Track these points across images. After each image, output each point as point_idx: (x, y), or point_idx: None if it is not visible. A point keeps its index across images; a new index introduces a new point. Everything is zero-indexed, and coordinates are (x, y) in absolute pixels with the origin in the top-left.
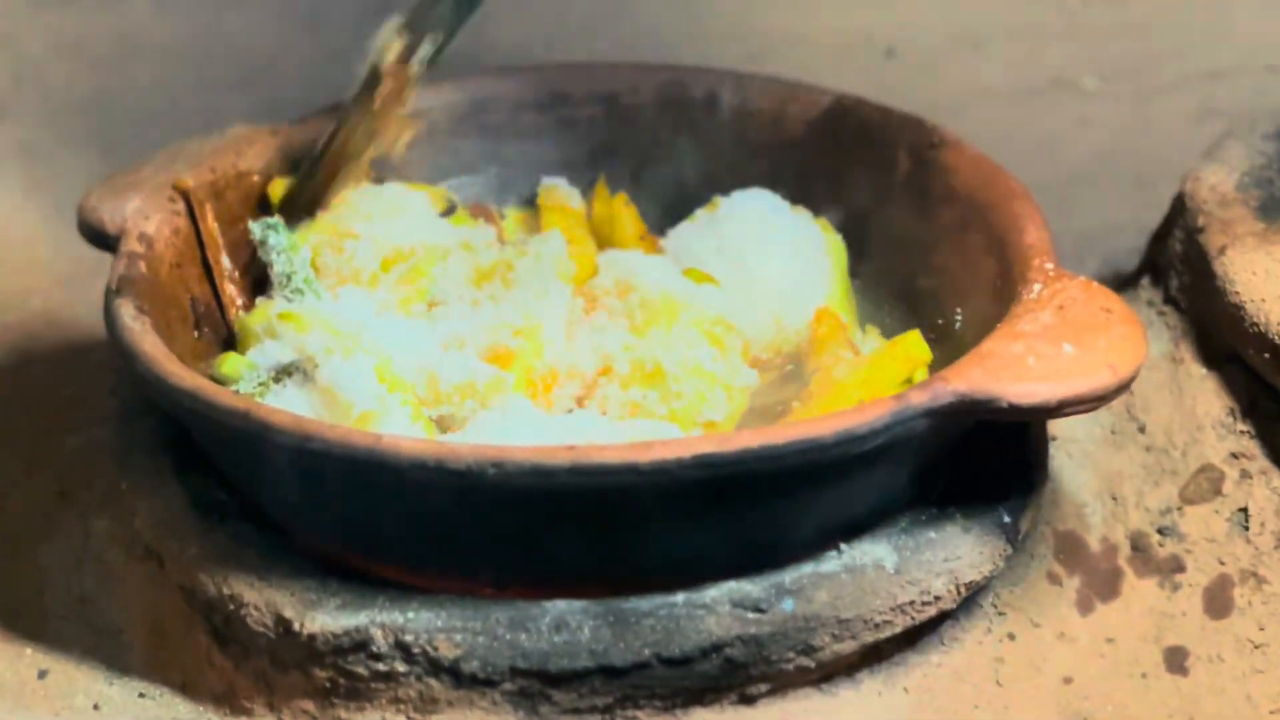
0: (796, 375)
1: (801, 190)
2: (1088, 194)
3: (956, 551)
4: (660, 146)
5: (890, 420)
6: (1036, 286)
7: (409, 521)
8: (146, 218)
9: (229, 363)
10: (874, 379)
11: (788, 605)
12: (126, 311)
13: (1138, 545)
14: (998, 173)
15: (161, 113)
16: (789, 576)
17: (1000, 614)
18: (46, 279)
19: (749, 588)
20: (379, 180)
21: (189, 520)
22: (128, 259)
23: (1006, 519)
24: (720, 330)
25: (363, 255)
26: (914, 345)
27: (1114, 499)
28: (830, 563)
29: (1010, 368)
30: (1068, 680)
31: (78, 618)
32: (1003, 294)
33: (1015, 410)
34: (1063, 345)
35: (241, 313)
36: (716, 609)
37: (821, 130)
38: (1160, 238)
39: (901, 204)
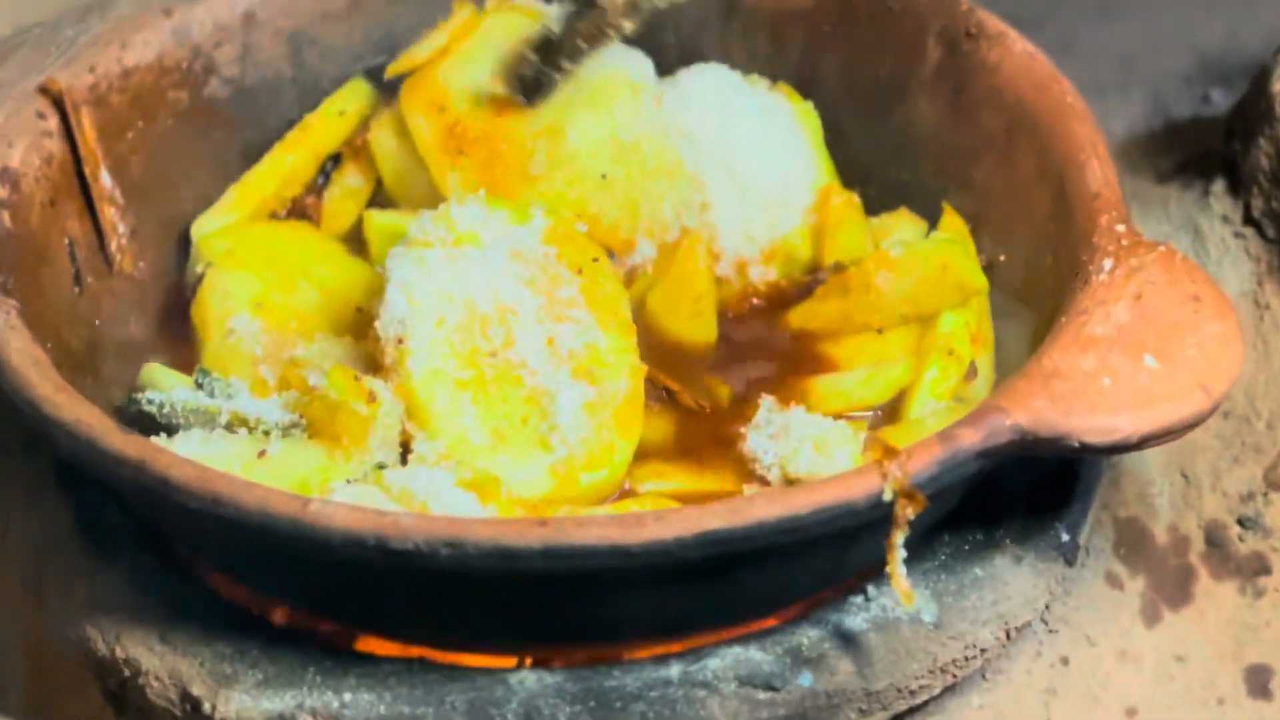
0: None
1: (808, 73)
2: None
3: (1007, 590)
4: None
5: (938, 470)
6: (1107, 263)
7: (344, 589)
8: (10, 145)
9: (155, 375)
10: (922, 296)
11: (805, 680)
12: None
13: (1214, 538)
14: (1052, 78)
15: None
16: (805, 638)
17: (1051, 631)
18: None
19: (757, 656)
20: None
21: (74, 549)
22: None
23: (1065, 536)
24: None
25: None
26: (964, 273)
27: (1185, 478)
28: (855, 615)
29: (1081, 394)
30: (1131, 712)
31: None
32: (1059, 247)
33: (1088, 449)
34: (1143, 357)
35: (124, 239)
36: (719, 687)
37: (832, 3)
38: (1240, 134)
39: (929, 101)
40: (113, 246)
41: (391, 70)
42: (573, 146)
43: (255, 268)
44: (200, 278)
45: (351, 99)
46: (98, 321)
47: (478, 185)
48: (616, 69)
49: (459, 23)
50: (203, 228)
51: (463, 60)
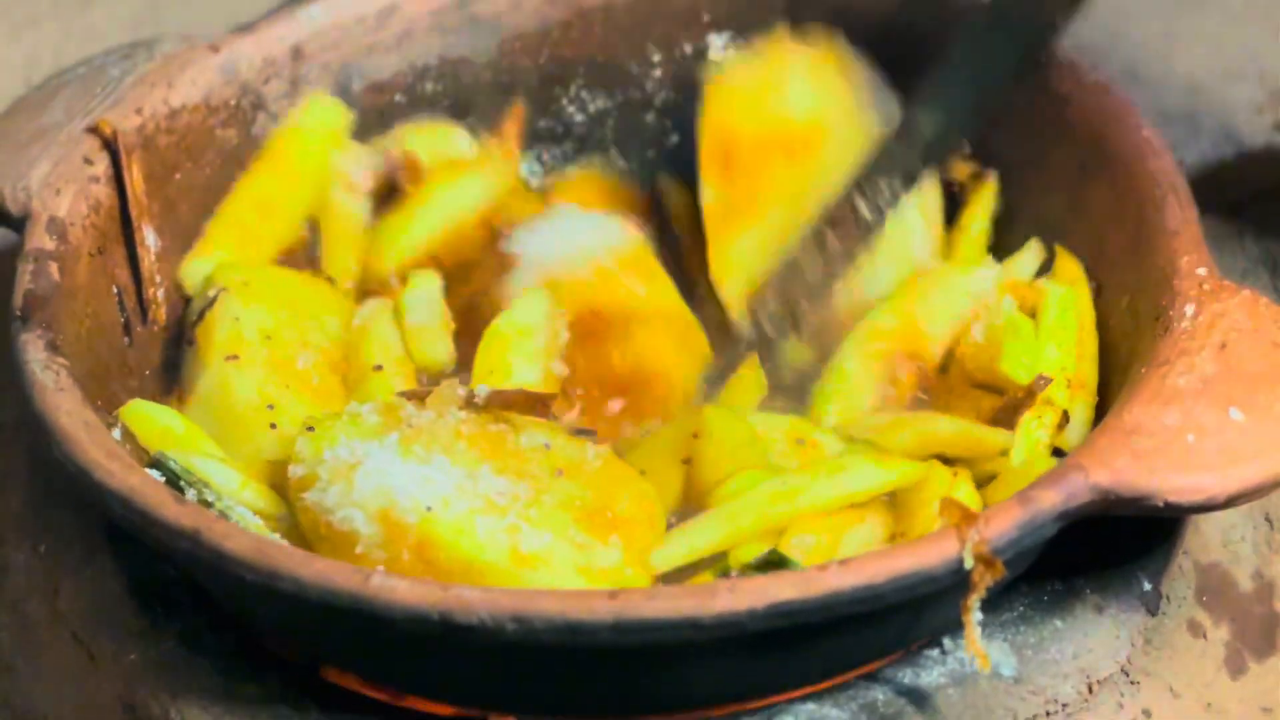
0: None
1: None
2: (1193, 15)
3: (1088, 642)
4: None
5: (1017, 533)
6: (1188, 309)
7: (409, 660)
8: (58, 192)
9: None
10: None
11: None
12: (35, 355)
13: None
14: (1125, 110)
15: None
16: (880, 694)
17: (1133, 683)
18: None
19: (832, 714)
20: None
21: (126, 611)
22: (35, 264)
23: (1147, 585)
24: None
25: None
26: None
27: (1269, 522)
28: (932, 670)
29: (1165, 451)
30: None
31: None
32: (1137, 289)
33: (1172, 508)
34: (1229, 410)
35: (160, 289)
36: None
37: (892, 22)
38: None
39: (1002, 134)
40: (149, 294)
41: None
42: None
43: (269, 304)
44: (210, 303)
45: (311, 114)
46: (148, 371)
47: (731, 206)
48: None
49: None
50: (193, 273)
51: (764, 87)
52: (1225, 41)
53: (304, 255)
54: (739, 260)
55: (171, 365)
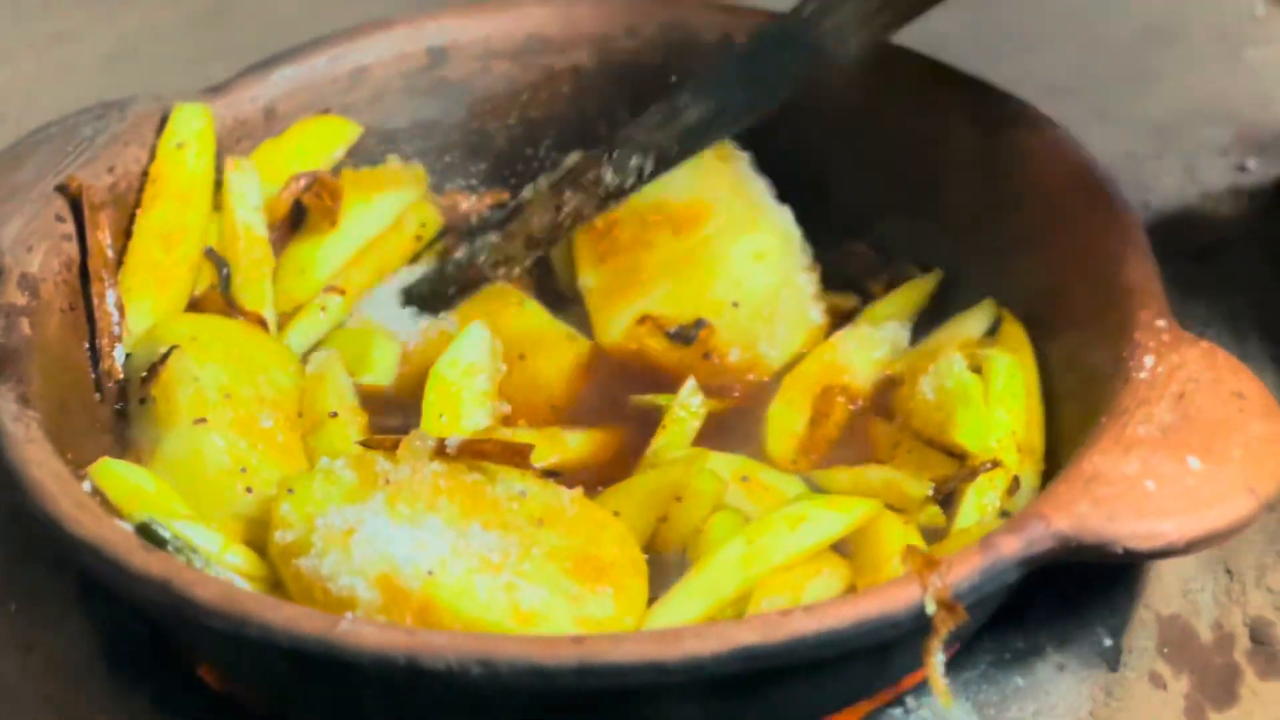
0: None
1: (835, 160)
2: (1161, 55)
3: (1049, 699)
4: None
5: (979, 579)
6: (1148, 360)
7: (379, 707)
8: (29, 249)
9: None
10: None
11: None
12: (6, 407)
13: (1259, 636)
14: (1086, 166)
15: None
16: None
17: None
18: None
19: None
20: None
21: (99, 673)
22: (6, 319)
23: (1107, 641)
24: None
25: None
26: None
27: (1229, 573)
28: None
29: (1124, 497)
30: None
31: None
32: (1099, 340)
33: (1132, 555)
34: (1187, 459)
35: (116, 343)
36: None
37: (858, 87)
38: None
39: (964, 190)
40: (103, 343)
41: None
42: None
43: (221, 359)
44: (162, 358)
45: (184, 127)
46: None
47: (612, 285)
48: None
49: None
50: (135, 327)
51: None
52: (1192, 82)
53: (215, 287)
54: (628, 327)
55: (117, 416)
